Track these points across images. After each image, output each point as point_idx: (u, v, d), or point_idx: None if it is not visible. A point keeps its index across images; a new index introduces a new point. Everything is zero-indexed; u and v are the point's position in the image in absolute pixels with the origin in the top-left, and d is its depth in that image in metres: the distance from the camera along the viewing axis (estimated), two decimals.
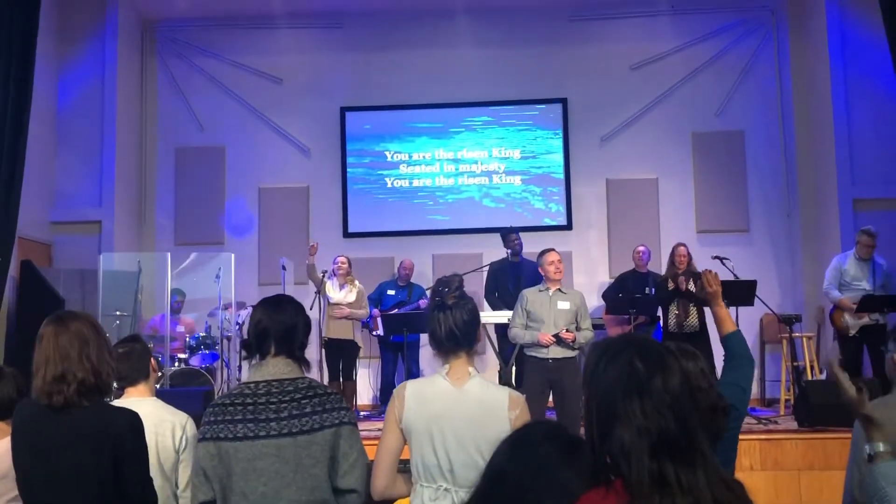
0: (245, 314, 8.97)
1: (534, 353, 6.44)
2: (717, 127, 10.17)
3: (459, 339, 2.77)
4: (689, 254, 7.96)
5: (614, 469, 1.59)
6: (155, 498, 2.81)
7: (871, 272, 7.78)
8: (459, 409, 2.67)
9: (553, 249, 6.65)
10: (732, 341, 3.07)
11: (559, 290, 6.50)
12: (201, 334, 8.73)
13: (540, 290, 6.54)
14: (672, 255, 8.03)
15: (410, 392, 2.74)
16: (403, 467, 2.78)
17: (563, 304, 6.43)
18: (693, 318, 7.74)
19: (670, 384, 1.61)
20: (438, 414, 2.67)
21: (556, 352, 6.32)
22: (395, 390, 2.79)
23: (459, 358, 2.77)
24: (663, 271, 9.00)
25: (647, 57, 10.19)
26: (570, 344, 6.32)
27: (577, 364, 6.39)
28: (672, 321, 7.81)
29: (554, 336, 6.29)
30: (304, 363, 2.70)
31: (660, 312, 8.40)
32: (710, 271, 3.26)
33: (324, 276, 8.37)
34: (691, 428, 1.60)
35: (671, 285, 7.85)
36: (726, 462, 2.91)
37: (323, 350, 8.50)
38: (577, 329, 6.42)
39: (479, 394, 2.71)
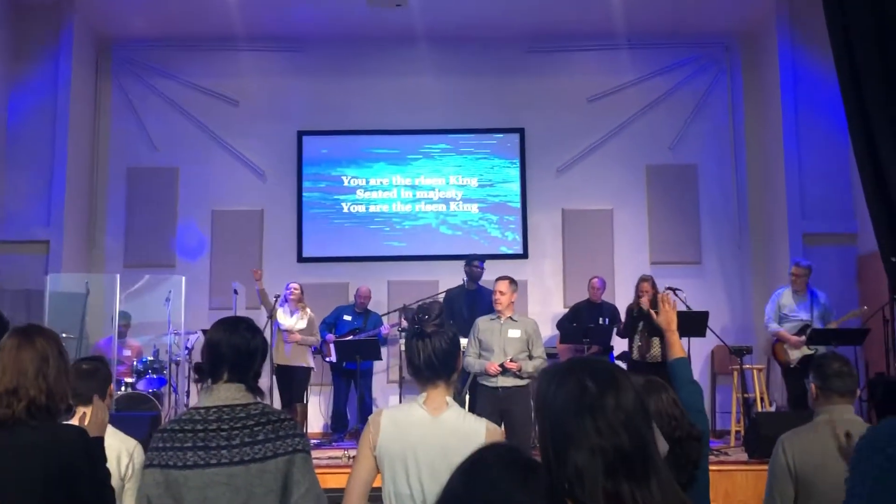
0: (195, 338, 8.83)
1: (484, 382, 6.44)
2: (671, 160, 10.31)
3: (438, 368, 2.74)
4: (654, 288, 7.99)
5: (570, 494, 1.56)
6: None
7: (809, 303, 7.97)
8: (435, 438, 2.64)
9: (504, 278, 6.61)
10: (682, 367, 3.13)
11: (510, 318, 6.49)
12: (149, 358, 8.56)
13: (491, 319, 6.55)
14: (637, 287, 8.09)
15: (386, 419, 2.70)
16: (375, 496, 2.73)
17: (514, 333, 6.43)
18: (656, 349, 7.79)
19: (623, 402, 1.59)
20: (414, 442, 2.64)
21: (506, 381, 6.32)
22: (370, 417, 2.76)
23: (437, 387, 2.75)
24: (617, 302, 9.09)
25: (604, 90, 10.31)
26: (518, 373, 6.31)
27: (528, 393, 6.37)
28: (635, 352, 7.87)
29: (500, 365, 6.29)
30: (257, 392, 2.62)
31: (615, 341, 8.48)
32: (668, 295, 3.32)
33: (275, 303, 8.31)
34: (646, 444, 1.58)
35: (635, 310, 7.93)
36: (704, 489, 2.94)
37: (274, 377, 8.40)
38: (530, 357, 6.41)
39: (455, 424, 2.68)
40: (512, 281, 6.61)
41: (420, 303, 2.71)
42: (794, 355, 7.84)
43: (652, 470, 1.56)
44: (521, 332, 6.44)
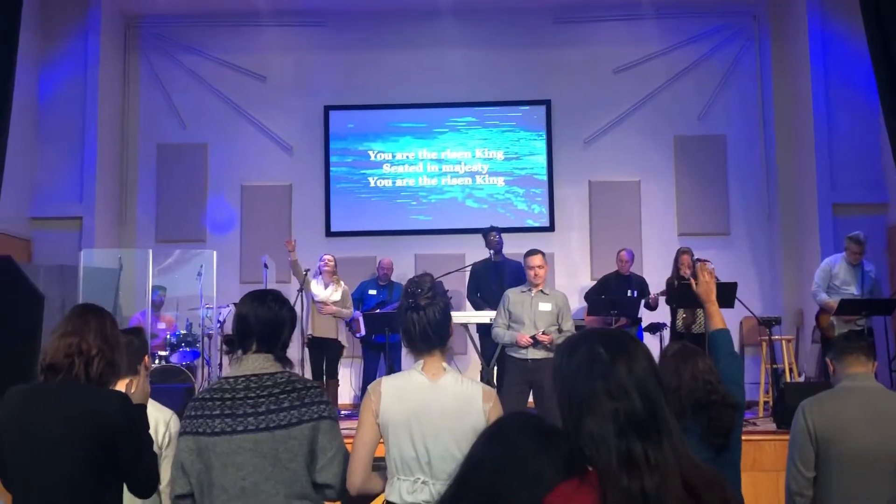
0: (227, 312, 8.95)
1: (514, 354, 6.47)
2: (699, 131, 10.23)
3: (432, 339, 2.81)
4: (693, 261, 8.05)
5: (587, 459, 1.61)
6: (155, 478, 2.83)
7: (860, 277, 7.76)
8: (436, 402, 2.72)
9: (538, 253, 6.62)
10: (722, 339, 3.15)
11: (541, 291, 6.52)
12: (182, 331, 8.70)
13: (522, 291, 6.57)
14: (676, 261, 8.17)
15: (387, 387, 2.77)
16: (376, 465, 2.80)
17: (545, 306, 6.45)
18: (700, 321, 7.87)
19: (634, 366, 1.64)
20: (415, 407, 2.71)
21: (536, 353, 6.34)
22: (370, 386, 2.82)
23: (433, 356, 2.82)
24: (645, 274, 9.09)
25: (631, 60, 10.23)
26: (549, 346, 6.34)
27: None
28: (679, 323, 8.02)
29: (532, 338, 6.32)
30: (286, 362, 2.70)
31: (643, 314, 8.50)
32: (705, 264, 3.32)
33: (307, 274, 8.37)
34: (657, 407, 1.62)
35: (676, 283, 7.98)
36: (735, 457, 2.98)
37: (306, 348, 8.50)
38: (560, 330, 6.44)
39: (454, 388, 2.76)
40: (543, 254, 6.64)
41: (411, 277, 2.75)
42: (839, 327, 7.66)
43: (664, 431, 1.60)
44: (551, 305, 6.46)
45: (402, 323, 2.86)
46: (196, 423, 2.56)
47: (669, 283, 8.20)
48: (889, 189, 9.08)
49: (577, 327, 6.81)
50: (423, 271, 3.11)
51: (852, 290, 7.73)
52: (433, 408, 2.70)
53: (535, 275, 6.48)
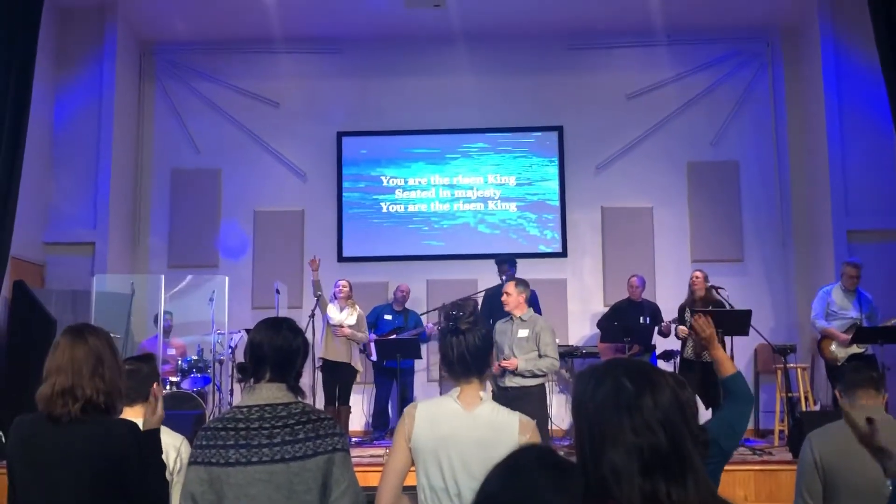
0: (238, 337, 8.94)
1: (499, 382, 6.50)
2: (712, 157, 10.20)
3: (470, 365, 2.77)
4: (705, 279, 7.99)
5: (606, 494, 1.57)
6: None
7: (857, 302, 7.86)
8: (469, 432, 2.66)
9: (510, 279, 6.68)
10: (732, 384, 3.05)
11: (521, 318, 6.53)
12: (193, 357, 8.68)
13: (505, 321, 6.62)
14: (690, 284, 8.13)
15: (421, 412, 2.74)
16: (407, 492, 2.76)
17: (522, 332, 6.47)
18: None
19: (660, 401, 1.59)
20: (447, 436, 2.66)
21: (514, 381, 6.35)
22: (406, 409, 2.79)
23: (470, 383, 2.78)
24: (658, 300, 9.03)
25: (644, 86, 10.24)
26: (516, 371, 6.30)
27: (539, 393, 6.40)
28: (689, 351, 7.83)
29: (499, 365, 6.32)
30: (298, 392, 2.66)
31: (657, 340, 8.42)
32: (701, 316, 3.25)
33: (320, 298, 8.40)
34: (682, 443, 1.58)
35: (687, 315, 7.87)
36: None
37: (319, 372, 8.47)
38: (540, 355, 6.40)
39: (489, 418, 2.70)
40: (518, 282, 6.65)
41: (454, 300, 2.73)
42: (842, 354, 7.71)
43: (688, 468, 1.56)
44: (528, 331, 6.47)
45: (440, 346, 2.83)
46: (209, 453, 2.52)
47: (682, 308, 8.13)
48: None
49: (589, 354, 6.75)
50: (468, 296, 3.07)
51: (851, 314, 7.83)
52: (464, 438, 2.65)
53: (504, 301, 6.55)
